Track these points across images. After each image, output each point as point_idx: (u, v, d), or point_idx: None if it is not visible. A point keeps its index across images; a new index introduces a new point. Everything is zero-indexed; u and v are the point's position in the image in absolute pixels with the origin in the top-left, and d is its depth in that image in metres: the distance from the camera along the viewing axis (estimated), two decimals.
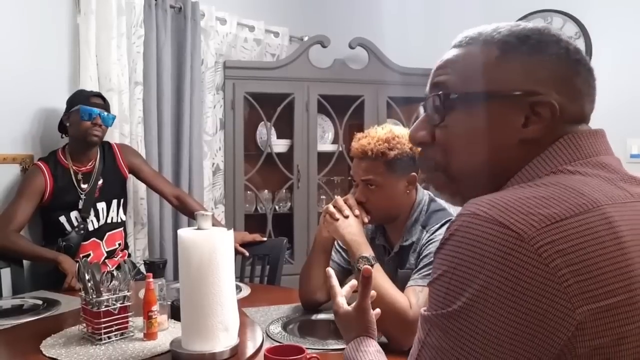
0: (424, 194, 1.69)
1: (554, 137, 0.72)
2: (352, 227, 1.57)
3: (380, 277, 1.47)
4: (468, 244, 0.61)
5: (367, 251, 1.52)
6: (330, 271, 1.25)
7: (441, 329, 0.63)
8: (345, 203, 1.62)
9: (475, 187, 0.76)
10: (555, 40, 0.74)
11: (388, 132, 1.63)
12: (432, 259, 1.46)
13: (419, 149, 1.63)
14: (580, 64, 0.74)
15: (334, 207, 1.61)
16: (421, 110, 0.82)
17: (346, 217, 1.59)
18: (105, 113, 2.36)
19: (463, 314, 0.61)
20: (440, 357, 0.63)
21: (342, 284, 1.79)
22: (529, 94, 0.71)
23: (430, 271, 1.46)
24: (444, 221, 1.57)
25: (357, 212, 1.60)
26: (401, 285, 1.51)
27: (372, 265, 1.48)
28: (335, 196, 1.70)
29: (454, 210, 1.64)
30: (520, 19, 2.89)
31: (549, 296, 0.57)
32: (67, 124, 2.36)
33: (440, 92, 0.76)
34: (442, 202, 1.68)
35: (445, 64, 0.79)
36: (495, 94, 0.73)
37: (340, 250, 1.77)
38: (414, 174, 1.62)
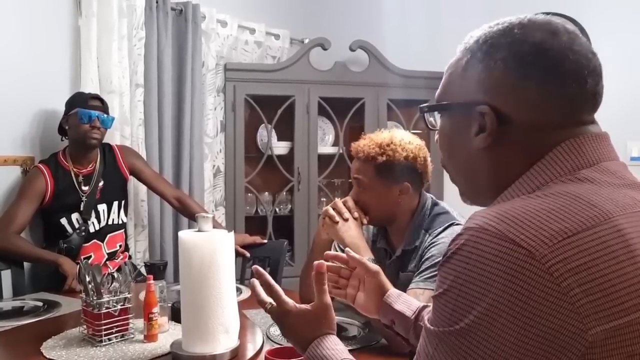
0: (427, 198, 1.69)
1: (521, 144, 0.70)
2: (351, 230, 1.57)
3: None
4: (476, 259, 0.60)
5: (367, 254, 1.52)
6: (261, 271, 1.06)
7: (449, 346, 0.62)
8: (345, 205, 1.62)
9: (469, 189, 0.81)
10: (508, 43, 0.70)
11: (387, 138, 1.62)
12: (434, 261, 1.48)
13: (417, 157, 1.65)
14: (532, 67, 0.69)
15: (333, 209, 1.61)
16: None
17: (346, 219, 1.59)
18: (104, 115, 2.36)
19: (471, 332, 0.59)
20: None
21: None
22: (476, 104, 0.72)
23: (431, 274, 1.47)
24: (447, 224, 1.57)
25: (356, 214, 1.60)
26: (403, 288, 1.50)
27: None
28: (335, 198, 1.71)
29: (457, 213, 1.64)
30: None
31: (560, 317, 0.56)
32: (67, 127, 2.37)
33: (428, 102, 0.84)
34: (445, 206, 1.68)
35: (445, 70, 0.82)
36: (453, 105, 0.77)
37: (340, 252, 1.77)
38: (406, 183, 1.62)
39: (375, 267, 1.19)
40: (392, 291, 1.17)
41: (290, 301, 1.02)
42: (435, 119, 0.83)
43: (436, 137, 0.83)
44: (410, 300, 1.17)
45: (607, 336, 0.56)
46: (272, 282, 1.04)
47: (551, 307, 0.56)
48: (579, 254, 0.57)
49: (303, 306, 1.01)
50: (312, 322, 0.99)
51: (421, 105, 0.84)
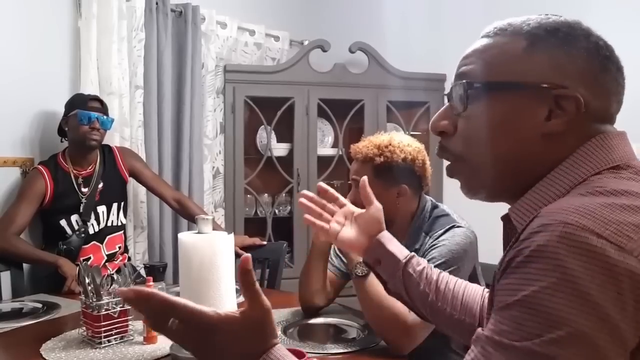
0: (426, 201, 1.69)
1: (579, 134, 0.71)
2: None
3: (378, 282, 1.47)
4: (567, 255, 0.57)
5: None
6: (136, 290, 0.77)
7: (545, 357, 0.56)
8: None
9: (499, 180, 0.75)
10: (585, 35, 0.73)
11: (385, 140, 1.63)
12: (435, 264, 1.47)
13: (415, 159, 1.64)
14: (609, 61, 0.73)
15: None
16: (446, 99, 0.82)
17: None
18: (104, 117, 2.36)
19: (577, 337, 0.56)
20: None
21: (341, 288, 1.80)
22: (555, 87, 0.70)
23: None
24: (447, 227, 1.57)
25: None
26: None
27: (369, 271, 1.48)
28: None
29: (457, 216, 1.64)
30: None
31: None
32: (66, 128, 2.37)
33: (464, 81, 0.76)
34: (445, 208, 1.68)
35: (472, 53, 0.78)
36: (519, 85, 0.72)
37: (340, 254, 1.77)
38: (404, 185, 1.62)
39: (379, 204, 1.18)
40: (386, 232, 1.15)
41: (209, 310, 0.74)
42: (471, 102, 0.75)
43: (441, 123, 0.79)
44: (401, 246, 1.14)
45: None
46: (167, 297, 0.74)
47: None
48: None
49: (230, 313, 0.74)
50: (250, 332, 0.75)
51: (464, 81, 0.76)
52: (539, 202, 0.71)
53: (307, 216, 0.96)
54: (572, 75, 0.71)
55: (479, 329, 0.64)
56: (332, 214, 1.20)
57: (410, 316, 1.41)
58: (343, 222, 1.18)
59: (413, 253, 1.13)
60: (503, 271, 0.63)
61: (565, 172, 0.70)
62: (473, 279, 1.57)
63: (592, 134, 0.71)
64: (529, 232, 0.62)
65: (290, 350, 1.23)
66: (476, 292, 1.10)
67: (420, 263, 1.12)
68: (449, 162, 0.82)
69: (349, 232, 1.17)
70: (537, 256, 0.59)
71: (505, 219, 0.77)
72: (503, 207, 0.83)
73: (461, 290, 1.10)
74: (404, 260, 1.09)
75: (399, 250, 1.12)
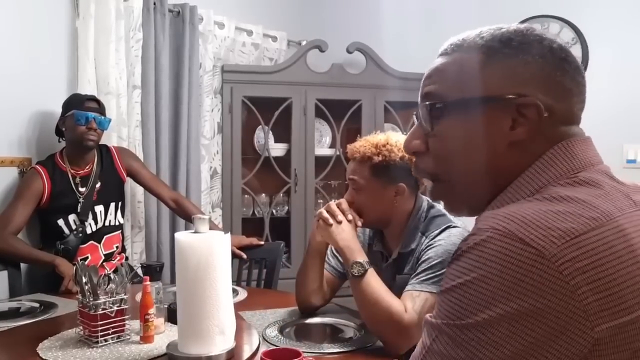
0: (423, 201, 1.69)
1: (545, 139, 0.72)
2: (345, 232, 1.57)
3: (375, 282, 1.48)
4: (488, 258, 0.61)
5: (361, 256, 1.52)
6: None
7: (451, 338, 0.62)
8: (338, 207, 1.62)
9: (476, 195, 0.76)
10: (538, 40, 0.73)
11: (382, 139, 1.64)
12: (431, 264, 1.49)
13: (412, 159, 1.64)
14: (565, 62, 0.73)
15: (327, 212, 1.62)
16: (414, 119, 0.83)
17: (339, 222, 1.59)
18: (101, 117, 2.36)
19: (480, 327, 0.60)
20: None
21: (338, 288, 1.81)
22: (514, 97, 0.71)
23: (428, 276, 1.48)
24: (444, 227, 1.57)
25: (350, 216, 1.61)
26: (399, 291, 1.51)
27: (366, 270, 1.49)
28: (330, 200, 1.71)
29: (453, 216, 1.64)
30: None
31: (568, 314, 0.57)
32: (63, 128, 2.37)
33: (427, 103, 0.77)
34: (441, 208, 1.68)
35: (432, 73, 0.79)
36: (480, 99, 0.73)
37: (337, 254, 1.77)
38: (402, 184, 1.62)
39: None
40: None
41: None
42: (438, 122, 0.76)
43: (416, 142, 0.80)
44: None
45: (613, 333, 0.57)
46: None
47: (560, 305, 0.57)
48: (586, 253, 0.58)
49: None
50: None
51: (430, 102, 0.77)
52: (496, 207, 0.73)
53: None
54: (529, 82, 0.72)
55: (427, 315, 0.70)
56: None
57: (406, 316, 1.41)
58: None
59: None
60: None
61: (526, 180, 0.71)
62: None
63: (558, 138, 0.72)
64: (468, 233, 0.67)
65: (285, 349, 1.24)
66: None
67: None
68: (430, 185, 0.83)
69: None
70: (465, 255, 0.64)
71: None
72: None
73: None
74: None
75: None
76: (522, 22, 3.00)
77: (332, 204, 1.64)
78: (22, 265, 2.30)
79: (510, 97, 0.71)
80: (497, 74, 0.73)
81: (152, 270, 1.88)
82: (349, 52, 3.35)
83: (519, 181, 0.72)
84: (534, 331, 0.58)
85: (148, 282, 1.50)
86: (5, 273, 2.20)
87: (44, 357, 1.35)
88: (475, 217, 0.76)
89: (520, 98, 0.71)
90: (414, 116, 0.83)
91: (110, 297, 1.47)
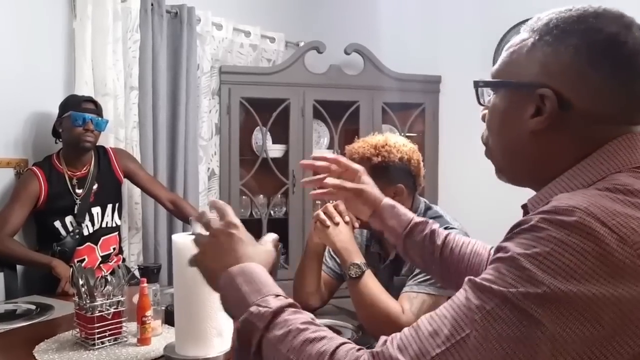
0: (420, 202, 1.69)
1: (575, 135, 0.72)
2: (342, 234, 1.57)
3: (372, 283, 1.48)
4: (571, 234, 0.59)
5: (358, 258, 1.52)
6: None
7: (519, 310, 0.58)
8: (336, 209, 1.62)
9: (509, 166, 0.82)
10: (583, 30, 0.71)
11: (381, 140, 1.64)
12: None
13: (411, 159, 1.68)
14: (605, 58, 0.70)
15: (325, 213, 1.61)
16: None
17: (336, 224, 1.58)
18: (98, 118, 2.35)
19: (552, 300, 0.58)
20: (520, 334, 0.58)
21: (336, 289, 1.81)
22: (538, 86, 0.72)
23: (425, 277, 1.47)
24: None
25: (347, 218, 1.60)
26: (397, 292, 1.51)
27: (363, 272, 1.48)
28: (327, 202, 1.71)
29: (450, 217, 1.64)
30: (513, 27, 2.89)
31: None
32: (60, 130, 2.36)
33: (475, 80, 0.83)
34: (438, 209, 1.68)
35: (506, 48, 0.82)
36: (511, 84, 0.77)
37: (334, 256, 1.77)
38: (401, 185, 1.62)
39: (362, 185, 1.21)
40: (386, 203, 1.20)
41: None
42: (486, 95, 0.84)
43: (482, 112, 0.85)
44: (402, 214, 1.19)
45: None
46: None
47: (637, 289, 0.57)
48: None
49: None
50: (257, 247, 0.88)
51: (477, 80, 0.83)
52: (556, 193, 0.73)
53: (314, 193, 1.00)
54: (554, 73, 0.72)
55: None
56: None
57: (404, 317, 1.41)
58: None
59: (418, 220, 1.17)
60: (505, 238, 0.66)
61: (587, 167, 0.71)
62: None
63: (592, 135, 0.71)
64: (540, 210, 0.64)
65: None
66: (482, 253, 1.12)
67: (424, 230, 1.16)
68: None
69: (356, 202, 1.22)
70: (540, 227, 0.62)
71: (524, 207, 0.82)
72: (497, 209, 0.85)
73: (467, 253, 1.13)
74: (403, 233, 1.16)
75: (397, 223, 1.17)
76: (519, 23, 3.00)
77: (330, 205, 1.63)
78: (19, 267, 2.29)
79: (534, 86, 0.73)
80: (533, 61, 0.74)
81: (150, 272, 1.87)
82: (346, 53, 3.35)
83: (578, 167, 0.72)
84: (612, 317, 0.57)
85: (145, 284, 1.49)
86: (1, 275, 2.19)
87: None
88: (524, 204, 0.80)
89: (541, 88, 0.72)
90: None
91: (107, 299, 1.46)
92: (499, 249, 0.65)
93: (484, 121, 0.86)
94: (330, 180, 1.21)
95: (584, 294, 0.57)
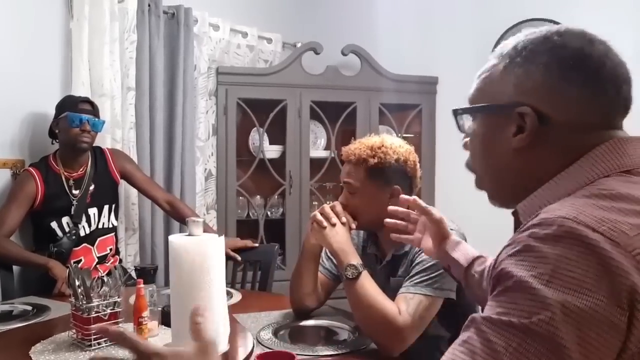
0: None
1: (557, 146, 0.75)
2: (339, 235, 1.57)
3: (369, 284, 1.48)
4: (566, 247, 0.61)
5: (355, 259, 1.52)
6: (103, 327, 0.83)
7: (531, 337, 0.59)
8: (332, 210, 1.62)
9: (498, 189, 0.84)
10: (550, 48, 0.75)
11: (378, 141, 1.64)
12: (424, 266, 1.49)
13: (407, 160, 1.70)
14: (574, 71, 0.74)
15: (321, 214, 1.62)
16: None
17: (333, 225, 1.59)
18: (94, 119, 2.35)
19: (571, 316, 0.59)
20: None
21: (332, 290, 1.81)
22: (515, 105, 0.76)
23: (422, 279, 1.48)
24: None
25: (344, 219, 1.60)
26: (393, 293, 1.51)
27: (360, 273, 1.49)
28: (325, 203, 1.71)
29: (447, 219, 1.64)
30: (510, 29, 2.90)
31: None
32: (57, 130, 2.36)
33: (455, 108, 0.87)
34: None
35: (479, 75, 0.85)
36: (490, 107, 0.81)
37: (331, 257, 1.77)
38: (397, 186, 1.62)
39: (438, 215, 1.31)
40: (453, 239, 1.30)
41: (154, 344, 0.76)
42: (466, 123, 0.86)
43: (464, 140, 0.88)
44: (467, 250, 1.27)
45: None
46: (121, 330, 0.77)
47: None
48: None
49: (175, 348, 0.78)
50: None
51: (455, 108, 0.87)
52: (545, 199, 0.75)
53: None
54: (529, 91, 0.76)
55: (473, 314, 0.66)
56: (416, 222, 1.37)
57: (400, 318, 1.41)
58: (423, 230, 1.35)
59: (479, 254, 1.25)
60: (503, 257, 0.67)
61: (574, 173, 0.74)
62: None
63: (575, 144, 0.74)
64: (530, 224, 0.66)
65: (279, 352, 1.23)
66: None
67: (483, 263, 1.23)
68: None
69: (427, 241, 1.34)
70: (535, 245, 0.63)
71: (515, 213, 0.83)
72: (494, 211, 0.87)
73: None
74: (466, 265, 1.24)
75: (462, 255, 1.26)
76: (515, 25, 3.01)
77: (326, 206, 1.64)
78: (15, 268, 2.28)
79: (512, 105, 0.76)
80: (507, 82, 0.78)
81: (146, 273, 1.87)
82: (343, 54, 3.35)
83: (567, 172, 0.74)
84: (617, 317, 0.58)
85: (142, 285, 1.49)
86: None
87: None
88: (513, 211, 0.82)
89: (520, 107, 0.75)
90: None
91: (104, 300, 1.47)
92: (499, 275, 0.65)
93: (466, 149, 0.89)
94: (414, 205, 1.32)
95: (596, 304, 0.58)
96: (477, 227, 1.79)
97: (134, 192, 2.78)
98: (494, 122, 0.80)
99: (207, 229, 2.13)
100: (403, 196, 1.38)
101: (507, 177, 0.81)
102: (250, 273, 2.52)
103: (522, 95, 0.76)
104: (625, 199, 0.65)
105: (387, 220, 1.39)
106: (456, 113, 0.86)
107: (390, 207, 1.38)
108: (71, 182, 2.37)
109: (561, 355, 0.58)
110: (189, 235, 1.33)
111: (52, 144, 2.44)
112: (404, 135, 3.35)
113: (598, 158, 0.73)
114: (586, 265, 0.59)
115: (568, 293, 0.59)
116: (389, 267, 1.66)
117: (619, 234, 0.61)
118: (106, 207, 2.45)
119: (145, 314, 1.45)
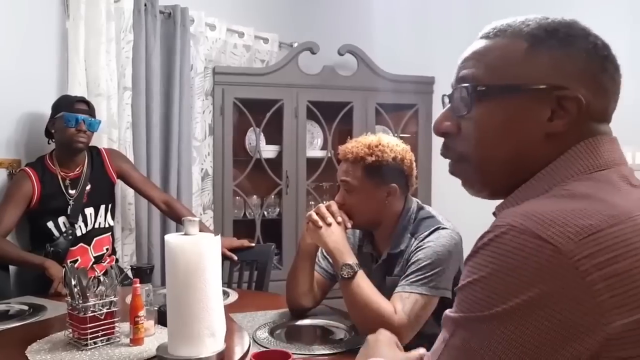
0: (412, 202, 1.70)
1: (578, 134, 0.73)
2: (334, 235, 1.57)
3: (364, 283, 1.48)
4: (504, 255, 0.62)
5: (350, 259, 1.53)
6: None
7: (470, 331, 0.64)
8: (328, 210, 1.62)
9: (500, 179, 0.78)
10: (584, 35, 0.74)
11: (374, 140, 1.64)
12: (420, 265, 1.49)
13: (404, 159, 1.66)
14: (608, 61, 0.74)
15: (317, 214, 1.62)
16: (446, 100, 0.83)
17: (328, 224, 1.59)
18: (91, 118, 2.35)
19: (496, 319, 0.61)
20: (465, 356, 0.64)
21: (329, 290, 1.81)
22: (556, 88, 0.72)
23: (417, 278, 1.48)
24: (433, 228, 1.58)
25: (339, 218, 1.61)
26: (389, 292, 1.52)
27: (355, 272, 1.49)
28: (320, 202, 1.71)
29: (442, 218, 1.65)
30: None
31: (582, 309, 0.57)
32: (53, 130, 2.36)
33: (467, 85, 0.77)
34: (430, 210, 1.69)
35: (472, 55, 0.79)
36: (521, 88, 0.74)
37: (327, 256, 1.77)
38: (394, 185, 1.63)
39: None
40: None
41: None
42: (475, 105, 0.76)
43: (445, 125, 0.80)
44: None
45: (628, 329, 0.57)
46: None
47: (575, 300, 0.58)
48: (603, 250, 0.59)
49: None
50: None
51: (467, 85, 0.77)
52: (518, 202, 0.74)
53: None
54: (573, 75, 0.72)
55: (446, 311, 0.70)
56: None
57: (396, 317, 1.42)
58: None
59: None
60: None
61: (548, 174, 0.72)
62: (458, 280, 1.59)
63: (589, 134, 0.73)
64: (488, 228, 0.67)
65: (275, 351, 1.23)
66: None
67: None
68: (451, 161, 0.84)
69: None
70: (482, 251, 0.65)
71: (494, 214, 0.81)
72: (489, 211, 0.85)
73: None
74: None
75: None
76: None
77: (322, 206, 1.64)
78: (11, 268, 2.28)
79: (551, 89, 0.72)
80: (541, 64, 0.73)
81: (142, 273, 1.87)
82: (340, 54, 3.36)
83: (541, 174, 0.73)
84: (547, 325, 0.58)
85: (138, 285, 1.49)
86: None
87: None
88: (494, 212, 0.79)
89: (562, 90, 0.72)
90: (446, 97, 0.83)
91: (100, 300, 1.46)
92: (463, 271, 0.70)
93: (443, 135, 0.82)
94: None
95: (520, 307, 0.60)
96: (473, 226, 1.79)
97: (130, 191, 2.78)
98: (520, 105, 0.73)
99: (203, 228, 2.14)
100: None
101: (519, 165, 0.75)
102: (246, 273, 2.52)
103: (561, 79, 0.72)
104: (585, 199, 0.65)
105: None
106: (473, 90, 0.75)
107: None
108: (67, 182, 2.36)
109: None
110: (185, 234, 1.34)
111: (49, 143, 2.43)
112: (401, 135, 3.35)
113: (572, 158, 0.72)
114: (517, 272, 0.60)
115: (496, 302, 0.61)
116: (385, 266, 1.66)
117: (564, 239, 0.59)
118: (102, 207, 2.45)
119: (142, 313, 1.45)
